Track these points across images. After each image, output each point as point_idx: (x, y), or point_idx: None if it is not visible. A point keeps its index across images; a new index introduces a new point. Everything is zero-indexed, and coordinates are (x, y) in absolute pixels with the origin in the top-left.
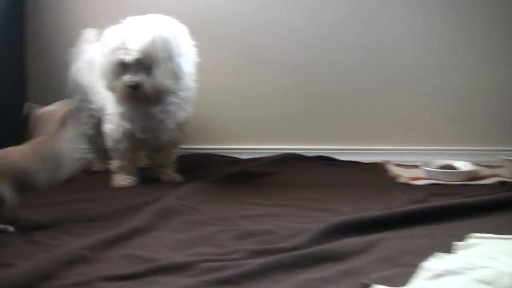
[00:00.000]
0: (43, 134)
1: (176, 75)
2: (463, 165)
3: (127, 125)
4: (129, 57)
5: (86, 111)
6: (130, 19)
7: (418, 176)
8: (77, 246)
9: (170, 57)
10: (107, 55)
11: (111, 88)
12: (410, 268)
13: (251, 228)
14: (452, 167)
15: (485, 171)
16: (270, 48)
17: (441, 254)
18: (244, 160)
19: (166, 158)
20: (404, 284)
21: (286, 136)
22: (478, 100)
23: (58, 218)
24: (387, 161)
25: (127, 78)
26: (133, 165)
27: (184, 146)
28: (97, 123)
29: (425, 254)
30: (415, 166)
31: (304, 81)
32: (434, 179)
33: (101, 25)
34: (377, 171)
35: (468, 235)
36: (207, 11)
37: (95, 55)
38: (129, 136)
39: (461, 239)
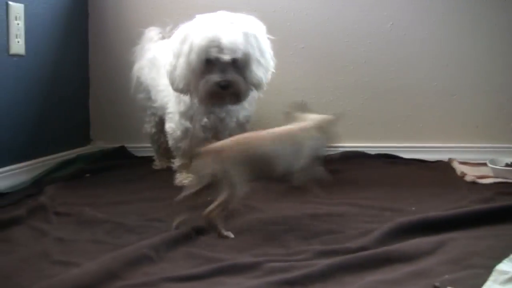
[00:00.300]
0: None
1: (267, 70)
2: None
3: (187, 124)
4: (224, 56)
5: (149, 109)
6: (202, 16)
7: (485, 175)
8: (142, 246)
9: (261, 52)
10: (191, 54)
11: (192, 88)
12: (480, 270)
13: (316, 228)
14: None
15: None
16: (333, 45)
17: None
18: None
19: None
20: (476, 287)
21: (349, 134)
22: None
23: (122, 217)
24: (452, 159)
25: (218, 77)
26: None
27: None
28: (159, 122)
29: (494, 255)
30: (482, 164)
31: (367, 78)
32: (502, 178)
33: (163, 24)
34: (442, 169)
35: None
36: (268, 8)
37: (158, 53)
38: (189, 134)
39: None
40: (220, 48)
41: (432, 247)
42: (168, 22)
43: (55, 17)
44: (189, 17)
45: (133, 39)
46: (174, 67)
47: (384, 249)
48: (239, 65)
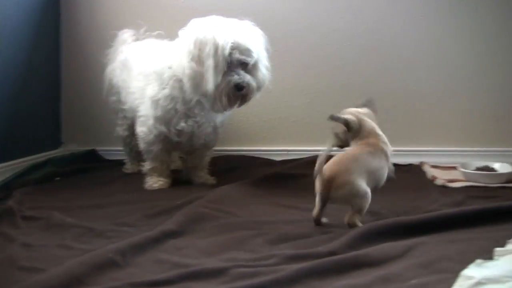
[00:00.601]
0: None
1: (268, 72)
2: (501, 167)
3: (162, 128)
4: (247, 58)
5: (121, 112)
6: (202, 20)
7: (455, 178)
8: (109, 250)
9: (265, 57)
10: (218, 56)
11: (207, 88)
12: (449, 274)
13: (286, 232)
14: (491, 169)
15: None
16: (307, 49)
17: (481, 261)
18: (278, 161)
19: (199, 160)
20: None
21: (320, 137)
22: None
23: (91, 222)
24: (423, 163)
25: (238, 78)
26: (166, 167)
27: (217, 148)
28: (131, 125)
29: (464, 260)
30: (453, 168)
31: (339, 82)
32: (473, 181)
33: (137, 26)
34: (413, 172)
35: (509, 240)
36: (243, 12)
37: (130, 55)
38: (163, 139)
39: (500, 244)
40: (240, 50)
41: (402, 251)
42: (142, 24)
43: (26, 19)
44: (163, 19)
45: (106, 41)
46: (195, 71)
47: (353, 254)
48: (250, 67)
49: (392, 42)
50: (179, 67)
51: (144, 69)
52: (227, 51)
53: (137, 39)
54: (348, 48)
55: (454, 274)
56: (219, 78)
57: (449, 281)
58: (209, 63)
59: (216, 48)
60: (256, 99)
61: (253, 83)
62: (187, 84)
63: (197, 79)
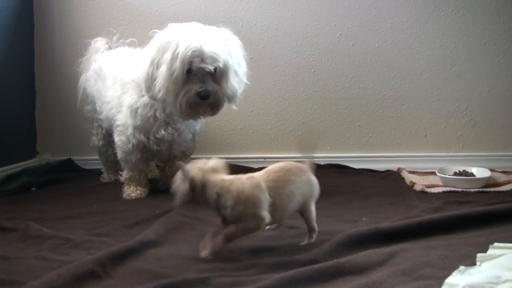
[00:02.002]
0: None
1: (241, 82)
2: (479, 172)
3: (141, 137)
4: (208, 66)
5: (96, 121)
6: (177, 26)
7: (434, 184)
8: (88, 261)
9: (238, 65)
10: (174, 63)
11: (172, 98)
12: (431, 281)
13: (266, 240)
14: (469, 174)
15: (501, 177)
16: (282, 56)
17: (464, 267)
18: (256, 169)
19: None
20: None
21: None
22: (493, 105)
23: (68, 232)
24: (401, 168)
25: (199, 87)
26: (144, 176)
27: (194, 156)
28: (106, 134)
29: (446, 266)
30: (431, 173)
31: (316, 88)
32: (451, 186)
33: (110, 34)
34: (391, 178)
35: (490, 245)
36: (216, 18)
37: (104, 64)
38: (141, 148)
39: (481, 249)
40: (203, 58)
41: (383, 258)
42: (115, 32)
43: None
44: (136, 27)
45: (80, 50)
46: (150, 76)
47: (334, 262)
48: (217, 75)
49: (366, 48)
50: (140, 70)
51: (121, 78)
52: (186, 59)
53: (110, 48)
54: (322, 55)
55: (437, 280)
56: (174, 86)
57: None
58: (163, 68)
59: (175, 54)
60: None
61: (219, 92)
62: (142, 86)
63: (148, 82)
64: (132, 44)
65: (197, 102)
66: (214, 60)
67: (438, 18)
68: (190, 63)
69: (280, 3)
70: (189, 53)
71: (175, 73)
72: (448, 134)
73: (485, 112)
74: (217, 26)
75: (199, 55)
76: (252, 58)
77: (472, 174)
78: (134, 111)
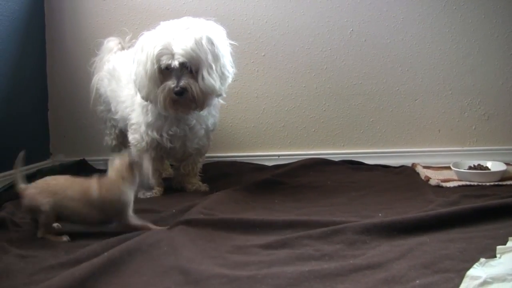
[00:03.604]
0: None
1: (223, 76)
2: (494, 165)
3: (154, 135)
4: (174, 62)
5: (109, 121)
6: (164, 23)
7: (449, 178)
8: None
9: (215, 58)
10: (147, 62)
11: (152, 96)
12: (452, 274)
13: (282, 236)
14: (484, 168)
15: None
16: (294, 53)
17: (485, 260)
18: (270, 167)
19: (191, 167)
20: None
21: (312, 141)
22: (506, 98)
23: (82, 233)
24: (416, 164)
25: (172, 83)
26: (158, 175)
27: (208, 155)
28: (120, 134)
29: (466, 258)
30: (445, 168)
31: (328, 85)
32: (466, 180)
33: (123, 34)
34: (406, 174)
35: (510, 237)
36: (228, 16)
37: (118, 64)
38: (155, 145)
39: (501, 241)
40: (172, 55)
41: (402, 252)
42: (127, 32)
43: (11, 29)
44: (148, 26)
45: (92, 50)
46: (136, 76)
47: (351, 256)
48: (193, 71)
49: (379, 44)
50: (132, 72)
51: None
52: (155, 57)
53: (123, 48)
54: (334, 51)
55: (458, 273)
56: (152, 84)
57: (454, 281)
58: (139, 69)
59: (147, 54)
60: (243, 105)
61: (193, 87)
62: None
63: (136, 84)
64: None
65: (174, 99)
66: (182, 56)
67: (450, 12)
68: (159, 61)
69: (292, 0)
70: (157, 51)
71: (148, 71)
72: (462, 128)
73: (499, 106)
74: (202, 19)
75: (168, 53)
76: (264, 55)
77: (487, 168)
78: (145, 108)
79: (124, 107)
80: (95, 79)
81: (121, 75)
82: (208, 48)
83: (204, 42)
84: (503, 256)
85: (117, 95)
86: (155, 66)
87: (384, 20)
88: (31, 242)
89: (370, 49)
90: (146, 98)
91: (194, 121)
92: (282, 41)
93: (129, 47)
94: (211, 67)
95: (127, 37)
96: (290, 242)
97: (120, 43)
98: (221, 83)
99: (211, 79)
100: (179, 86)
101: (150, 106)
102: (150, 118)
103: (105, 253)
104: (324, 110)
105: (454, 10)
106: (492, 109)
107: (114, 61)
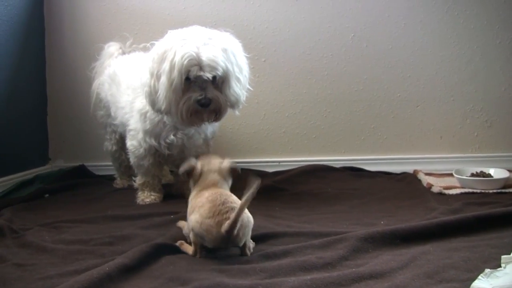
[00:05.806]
0: None
1: (244, 88)
2: (496, 172)
3: (152, 142)
4: (206, 74)
5: (109, 126)
6: (175, 32)
7: (451, 185)
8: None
9: (239, 69)
10: (173, 73)
11: (174, 109)
12: (456, 283)
13: (283, 244)
14: (486, 175)
15: None
16: (295, 59)
17: (489, 270)
18: (270, 173)
19: None
20: None
21: (313, 147)
22: (509, 105)
23: (82, 239)
24: (417, 170)
25: (199, 95)
26: (157, 181)
27: None
28: (120, 139)
29: (470, 268)
30: (448, 175)
31: (329, 91)
32: (469, 188)
33: (123, 39)
34: (408, 181)
35: None
36: (231, 21)
37: (118, 69)
38: (153, 152)
39: (505, 251)
40: (201, 66)
41: (405, 261)
42: (128, 37)
43: (10, 33)
44: (149, 31)
45: (91, 55)
46: (153, 88)
47: (353, 266)
48: (218, 82)
49: (380, 49)
50: (142, 83)
51: (132, 83)
52: (183, 68)
53: (123, 52)
54: (336, 57)
55: (462, 283)
56: (175, 96)
57: None
58: (163, 80)
59: (172, 65)
60: (243, 110)
61: (220, 99)
62: (146, 101)
63: (152, 96)
64: (145, 49)
65: (197, 110)
66: (213, 68)
67: (452, 18)
68: (188, 72)
69: (293, 6)
70: (185, 62)
71: (174, 82)
72: (464, 135)
73: (501, 112)
74: (218, 30)
75: (197, 64)
76: (264, 61)
77: (489, 175)
78: (143, 115)
79: (124, 113)
80: (95, 84)
81: (121, 80)
82: (234, 60)
83: (230, 53)
84: (508, 266)
85: (117, 100)
86: (183, 78)
87: (385, 25)
88: (29, 250)
89: (372, 55)
90: (167, 110)
91: (193, 130)
92: (283, 47)
93: (129, 52)
94: (238, 79)
95: (128, 42)
96: (293, 250)
97: (120, 48)
98: (243, 94)
99: (238, 90)
100: (206, 98)
101: (148, 113)
102: (148, 125)
103: (107, 268)
104: (325, 116)
105: (456, 16)
106: (495, 115)
107: (115, 66)
